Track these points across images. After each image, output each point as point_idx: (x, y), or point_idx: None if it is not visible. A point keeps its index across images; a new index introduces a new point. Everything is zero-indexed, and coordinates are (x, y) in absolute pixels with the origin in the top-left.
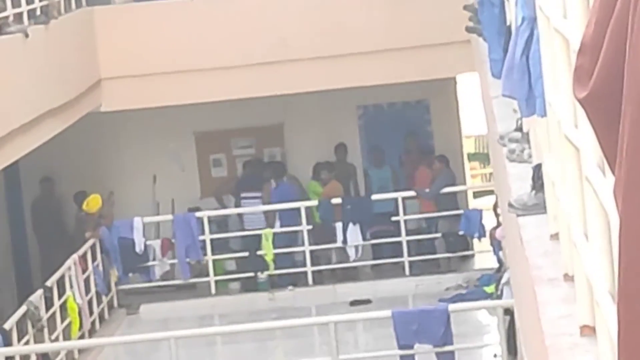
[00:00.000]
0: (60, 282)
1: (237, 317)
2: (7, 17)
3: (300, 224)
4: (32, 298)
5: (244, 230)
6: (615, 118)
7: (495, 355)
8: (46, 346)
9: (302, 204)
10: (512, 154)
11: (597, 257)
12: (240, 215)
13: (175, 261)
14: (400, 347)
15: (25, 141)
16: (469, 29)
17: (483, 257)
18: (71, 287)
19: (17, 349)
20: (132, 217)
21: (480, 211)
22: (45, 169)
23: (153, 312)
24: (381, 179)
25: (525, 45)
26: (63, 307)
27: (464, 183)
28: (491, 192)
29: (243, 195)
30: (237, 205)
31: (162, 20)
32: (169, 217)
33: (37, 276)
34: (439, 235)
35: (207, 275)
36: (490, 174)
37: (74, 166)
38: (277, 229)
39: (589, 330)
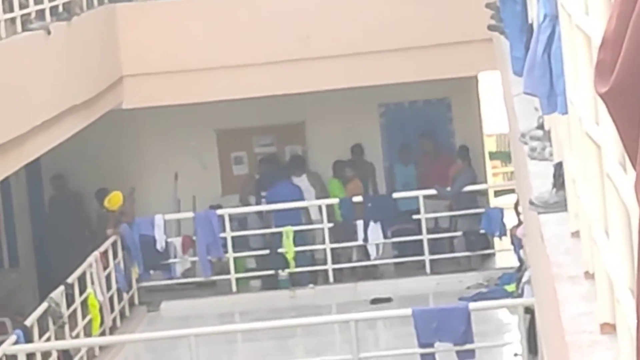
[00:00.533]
0: (82, 279)
1: (257, 314)
2: (29, 14)
3: (298, 224)
4: (53, 295)
5: (264, 228)
6: (637, 113)
7: (515, 354)
8: (67, 343)
9: (322, 202)
10: (534, 152)
11: (617, 255)
12: (260, 213)
13: (196, 258)
14: (421, 346)
15: (47, 138)
16: (491, 27)
17: (504, 256)
18: (92, 284)
19: (38, 345)
20: (153, 214)
21: (501, 210)
22: (67, 166)
23: (174, 310)
24: (406, 177)
25: (546, 43)
26: (84, 304)
27: (485, 181)
28: (512, 191)
29: (263, 194)
30: (258, 204)
31: (184, 18)
32: (190, 214)
33: (59, 273)
34: (459, 233)
35: (228, 272)
36: (512, 172)
37: (95, 163)
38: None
39: (609, 328)
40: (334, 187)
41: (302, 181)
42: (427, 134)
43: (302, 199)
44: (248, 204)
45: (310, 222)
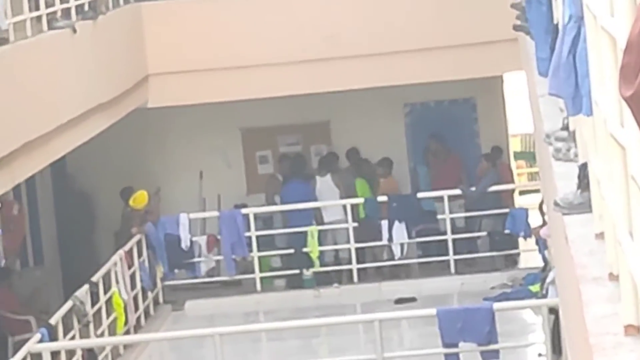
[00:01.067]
0: (106, 278)
1: (282, 314)
2: (55, 12)
3: (310, 224)
4: (78, 293)
5: (289, 227)
6: None
7: (539, 354)
8: (91, 341)
9: (347, 201)
10: (558, 153)
11: None
12: (284, 212)
13: (220, 257)
14: (445, 346)
15: (73, 136)
16: (516, 27)
17: (528, 256)
18: (117, 282)
19: (62, 343)
20: (178, 213)
21: (526, 210)
22: (91, 165)
23: (198, 308)
24: (428, 177)
25: (572, 44)
26: (109, 303)
27: (512, 178)
28: (537, 191)
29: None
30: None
31: (209, 17)
32: (215, 213)
33: (84, 271)
34: (484, 233)
35: (253, 271)
36: (536, 172)
37: (120, 162)
38: (321, 226)
39: (633, 330)
40: (361, 186)
41: (325, 181)
42: (436, 135)
43: (314, 198)
44: (274, 204)
45: (322, 223)
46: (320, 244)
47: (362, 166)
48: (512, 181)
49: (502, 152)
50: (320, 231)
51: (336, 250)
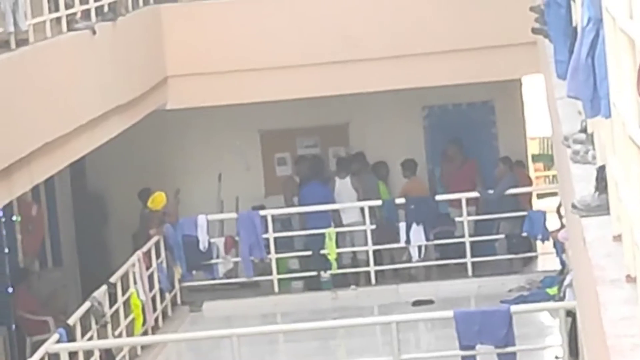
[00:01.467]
0: (124, 279)
1: (299, 315)
2: (74, 14)
3: (328, 226)
4: (96, 294)
5: (306, 229)
6: None
7: (556, 357)
8: (109, 342)
9: (365, 203)
10: (577, 155)
11: None
12: (302, 213)
13: (238, 259)
14: (462, 348)
15: (92, 137)
16: (535, 30)
17: (546, 259)
18: (135, 283)
19: (80, 344)
20: (196, 214)
21: (544, 213)
22: (110, 166)
23: (216, 310)
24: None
25: (590, 46)
26: (127, 304)
27: (531, 182)
28: (555, 194)
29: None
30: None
31: (228, 18)
32: (233, 215)
33: (102, 272)
34: (502, 236)
35: (270, 273)
36: (554, 175)
37: (139, 163)
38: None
39: None
40: (384, 189)
41: (344, 183)
42: (455, 140)
43: (332, 200)
44: (292, 205)
45: (340, 225)
46: (338, 246)
47: (381, 169)
48: (530, 185)
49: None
50: (338, 233)
51: (354, 252)
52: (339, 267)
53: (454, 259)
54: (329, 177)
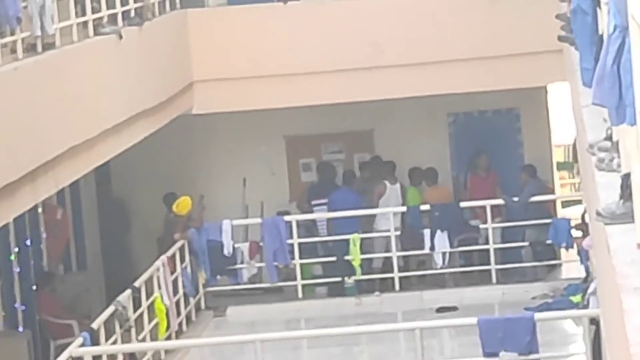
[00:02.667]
0: (149, 283)
1: (323, 321)
2: (101, 18)
3: (356, 231)
4: (120, 298)
5: (333, 234)
6: None
7: None
8: (133, 346)
9: (389, 210)
10: (602, 163)
11: None
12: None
13: (263, 264)
14: (486, 355)
15: (117, 142)
16: (561, 38)
17: (570, 267)
18: (159, 288)
19: (104, 348)
20: (221, 219)
21: (568, 220)
22: (135, 170)
23: (240, 315)
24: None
25: (616, 54)
26: (151, 308)
27: (553, 192)
28: (580, 202)
29: (314, 202)
30: (309, 212)
31: (255, 24)
32: (258, 220)
33: (126, 276)
34: (526, 244)
35: (295, 279)
36: (579, 183)
37: (164, 168)
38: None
39: None
40: (412, 195)
41: (395, 189)
42: (485, 151)
43: (359, 206)
44: (309, 211)
45: (371, 231)
46: (362, 252)
47: (415, 175)
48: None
49: (535, 169)
50: (365, 239)
51: (385, 258)
52: (364, 273)
53: (478, 266)
54: (359, 184)
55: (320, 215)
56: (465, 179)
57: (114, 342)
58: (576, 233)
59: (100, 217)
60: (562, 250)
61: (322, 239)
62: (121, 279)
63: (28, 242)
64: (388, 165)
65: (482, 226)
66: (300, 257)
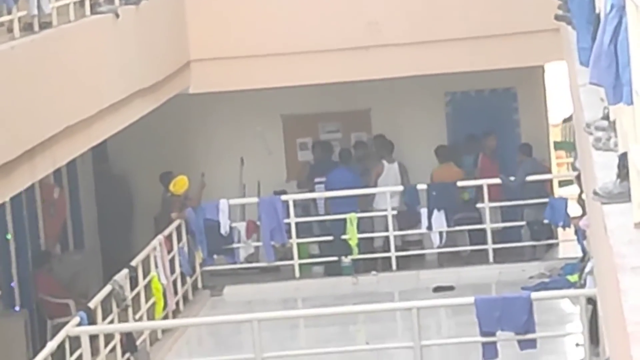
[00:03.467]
0: (146, 262)
1: (320, 300)
2: None
3: (353, 211)
4: (117, 277)
5: (330, 214)
6: None
7: (577, 344)
8: (130, 325)
9: (387, 189)
10: (598, 143)
11: None
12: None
13: (259, 244)
14: (483, 334)
15: (114, 121)
16: (558, 17)
17: (567, 246)
18: (156, 267)
19: (101, 327)
20: (218, 198)
21: (565, 200)
22: (132, 150)
23: (237, 294)
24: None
25: (613, 33)
26: (148, 287)
27: (550, 171)
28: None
29: (317, 180)
30: (312, 191)
31: (252, 3)
32: (255, 199)
33: (123, 255)
34: (523, 223)
35: (291, 258)
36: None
37: (161, 147)
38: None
39: None
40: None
41: (393, 168)
42: (493, 132)
43: (356, 185)
44: (306, 190)
45: (369, 210)
46: (360, 232)
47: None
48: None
49: (531, 148)
50: (365, 219)
51: (387, 237)
52: (360, 253)
53: (476, 246)
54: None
55: (318, 194)
56: (476, 158)
57: (111, 322)
58: (573, 212)
59: (98, 196)
60: (559, 230)
61: (319, 218)
62: (118, 258)
63: (25, 222)
64: (386, 144)
65: (479, 205)
66: (297, 237)
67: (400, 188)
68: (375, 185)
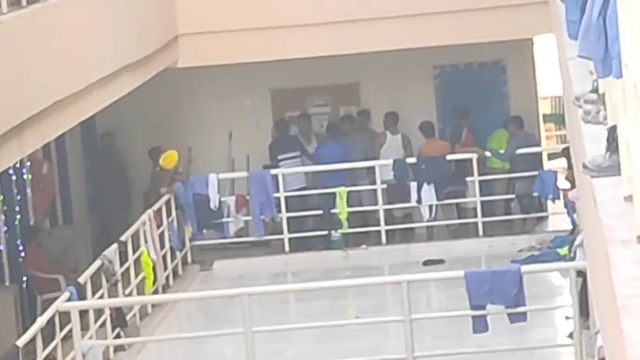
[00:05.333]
0: (135, 237)
1: (310, 274)
2: None
3: (344, 184)
4: (106, 252)
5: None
6: None
7: (567, 317)
8: (120, 300)
9: (376, 163)
10: (588, 116)
11: None
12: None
13: (249, 218)
14: (473, 308)
15: (103, 96)
16: None
17: (557, 219)
18: (146, 242)
19: (91, 302)
20: (207, 173)
21: (555, 172)
22: (121, 125)
23: (227, 269)
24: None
25: (602, 6)
26: (137, 262)
27: (539, 144)
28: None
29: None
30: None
31: None
32: (244, 173)
33: (112, 230)
34: (512, 196)
35: (281, 232)
36: (566, 135)
37: (150, 121)
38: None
39: None
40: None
41: (395, 140)
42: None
43: (347, 159)
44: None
45: (355, 184)
46: (349, 205)
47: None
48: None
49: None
50: (350, 192)
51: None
52: (350, 227)
53: (465, 219)
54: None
55: (307, 168)
56: (460, 133)
57: (101, 297)
58: (563, 185)
59: (87, 171)
60: (549, 202)
61: (308, 193)
62: (108, 233)
63: (14, 197)
64: (391, 115)
65: (468, 179)
66: (287, 211)
67: (389, 162)
68: (378, 156)
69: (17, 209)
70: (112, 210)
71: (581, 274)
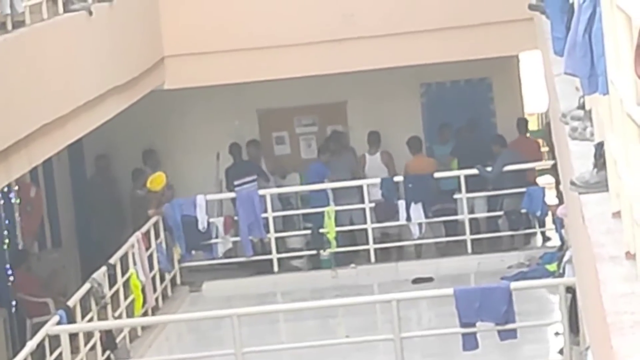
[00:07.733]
0: (124, 260)
1: (299, 294)
2: None
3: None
4: (95, 275)
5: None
6: None
7: (556, 333)
8: (109, 323)
9: (364, 182)
10: (575, 132)
11: None
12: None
13: (238, 239)
14: (463, 325)
15: (89, 119)
16: (532, 7)
17: (545, 235)
18: (134, 264)
19: (80, 326)
20: (195, 194)
21: (543, 189)
22: (108, 147)
23: (216, 290)
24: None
25: (587, 23)
26: (126, 285)
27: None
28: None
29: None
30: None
31: None
32: (232, 194)
33: (101, 253)
34: (501, 213)
35: (270, 252)
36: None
37: (137, 144)
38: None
39: None
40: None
41: (375, 159)
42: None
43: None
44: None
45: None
46: (337, 225)
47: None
48: (539, 155)
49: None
50: (338, 212)
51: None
52: (339, 246)
53: (454, 237)
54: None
55: (295, 188)
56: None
57: (90, 320)
58: (551, 201)
59: (74, 194)
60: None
61: (296, 212)
62: (96, 256)
63: (2, 221)
64: (372, 135)
65: (456, 196)
66: (276, 231)
67: (376, 180)
68: (364, 177)
69: (5, 232)
70: (106, 233)
71: (570, 290)
